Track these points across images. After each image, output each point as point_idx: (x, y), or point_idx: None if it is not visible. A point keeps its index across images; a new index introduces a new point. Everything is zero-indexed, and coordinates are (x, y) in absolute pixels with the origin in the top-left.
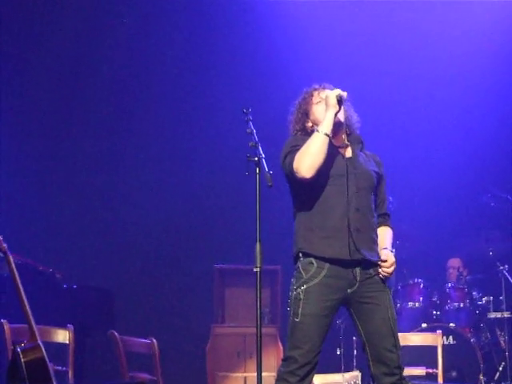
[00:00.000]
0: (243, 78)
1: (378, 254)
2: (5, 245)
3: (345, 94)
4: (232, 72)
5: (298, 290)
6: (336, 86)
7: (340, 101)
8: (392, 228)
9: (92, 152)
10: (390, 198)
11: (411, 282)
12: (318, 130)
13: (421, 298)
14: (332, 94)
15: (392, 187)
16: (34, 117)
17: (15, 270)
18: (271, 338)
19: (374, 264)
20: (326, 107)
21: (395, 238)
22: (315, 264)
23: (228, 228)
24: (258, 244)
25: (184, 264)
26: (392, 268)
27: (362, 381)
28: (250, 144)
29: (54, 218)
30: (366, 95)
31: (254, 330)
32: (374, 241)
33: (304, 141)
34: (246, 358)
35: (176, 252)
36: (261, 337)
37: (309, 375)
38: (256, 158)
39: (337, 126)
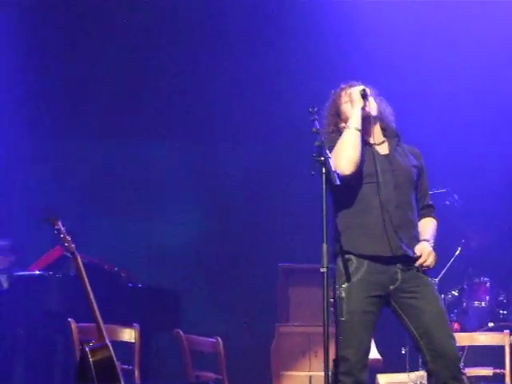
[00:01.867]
0: (309, 77)
1: None
2: (73, 245)
3: (368, 89)
4: (299, 71)
5: (340, 288)
6: (394, 84)
7: (364, 95)
8: (436, 219)
9: (158, 151)
10: (456, 196)
11: (477, 280)
12: (347, 127)
13: (487, 297)
14: (355, 89)
15: (458, 185)
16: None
17: (83, 270)
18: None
19: (414, 259)
20: (351, 104)
21: (460, 236)
22: (355, 261)
23: (293, 227)
24: (324, 245)
25: (249, 263)
26: (429, 260)
27: (427, 380)
28: (315, 143)
29: (118, 216)
30: (420, 88)
31: (319, 328)
32: (414, 237)
33: (337, 140)
34: (311, 357)
35: (241, 251)
36: (328, 336)
37: (364, 374)
38: (322, 158)
39: (368, 122)
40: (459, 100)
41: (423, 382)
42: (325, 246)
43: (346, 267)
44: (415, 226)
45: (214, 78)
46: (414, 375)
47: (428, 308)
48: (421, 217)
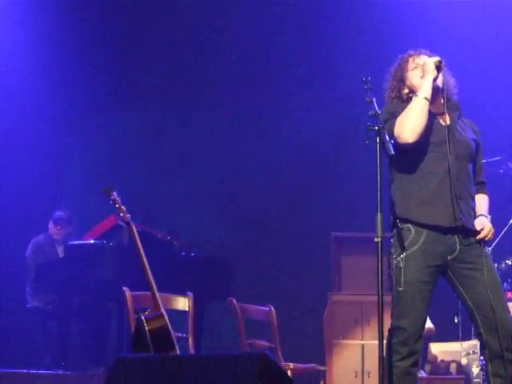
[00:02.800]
0: (362, 46)
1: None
2: (128, 215)
3: (442, 61)
4: (352, 41)
5: (398, 258)
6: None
7: (438, 67)
8: (488, 195)
9: (211, 129)
10: (510, 165)
11: None
12: (417, 95)
13: None
14: (430, 60)
15: (509, 153)
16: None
17: (138, 240)
18: (388, 305)
19: (473, 232)
20: (423, 73)
21: None
22: (413, 230)
23: (346, 196)
24: (378, 214)
25: (301, 232)
26: (490, 234)
27: (480, 351)
28: (369, 113)
29: (171, 186)
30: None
31: (371, 297)
32: (472, 209)
33: (402, 107)
34: (364, 326)
35: (294, 220)
36: (382, 306)
37: (418, 344)
38: (376, 128)
39: (435, 93)
40: None
41: (476, 351)
42: (379, 215)
43: (404, 236)
44: (473, 199)
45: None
46: (466, 344)
47: (484, 279)
48: (476, 192)
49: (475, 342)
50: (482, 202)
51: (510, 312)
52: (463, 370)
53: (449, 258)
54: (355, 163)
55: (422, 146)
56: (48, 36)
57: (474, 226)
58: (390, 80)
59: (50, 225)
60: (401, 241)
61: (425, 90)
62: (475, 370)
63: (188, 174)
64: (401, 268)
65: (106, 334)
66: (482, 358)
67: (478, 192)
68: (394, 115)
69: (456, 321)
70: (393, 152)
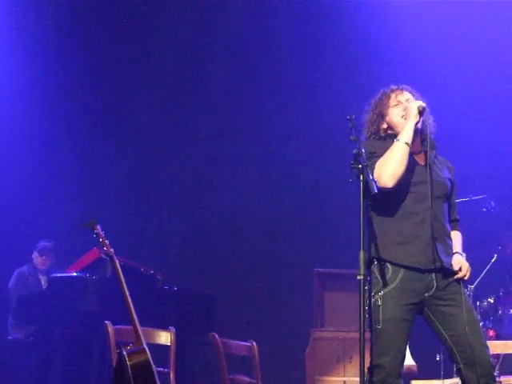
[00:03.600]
0: (346, 85)
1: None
2: (112, 249)
3: (424, 105)
4: (335, 79)
5: (376, 296)
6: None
7: (422, 112)
8: (461, 232)
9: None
10: (492, 203)
11: None
12: (398, 140)
13: None
14: (414, 104)
15: (494, 192)
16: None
17: (121, 274)
18: (370, 343)
19: (450, 271)
20: (406, 117)
21: (496, 242)
22: (390, 269)
23: (329, 233)
24: (361, 252)
25: (284, 268)
26: (468, 273)
27: None
28: (353, 151)
29: (155, 221)
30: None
31: (353, 334)
32: (449, 248)
33: (381, 147)
34: (346, 363)
35: (276, 256)
36: (364, 344)
37: (398, 381)
38: (360, 166)
39: (414, 133)
40: (499, 106)
41: None
42: (362, 253)
43: (381, 274)
44: (450, 238)
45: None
46: (448, 382)
47: (462, 316)
48: (451, 229)
49: (457, 380)
50: (456, 239)
51: (488, 348)
52: None
53: (426, 295)
54: (340, 200)
55: (401, 187)
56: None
57: (451, 265)
58: (370, 113)
59: (35, 254)
60: (379, 279)
61: (406, 135)
62: None
63: (175, 209)
64: (379, 306)
65: (88, 368)
66: None
67: (452, 229)
68: (372, 156)
69: (438, 358)
70: (376, 191)
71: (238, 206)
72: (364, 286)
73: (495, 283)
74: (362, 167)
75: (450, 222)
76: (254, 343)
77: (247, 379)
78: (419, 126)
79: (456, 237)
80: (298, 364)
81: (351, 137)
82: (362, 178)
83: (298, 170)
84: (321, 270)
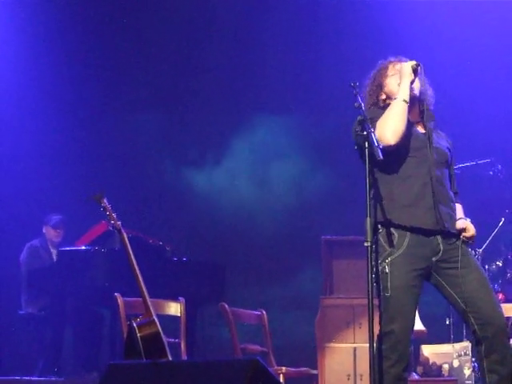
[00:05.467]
0: (351, 51)
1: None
2: (119, 222)
3: (420, 64)
4: (340, 46)
5: (383, 263)
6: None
7: (415, 70)
8: (461, 205)
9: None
10: (499, 166)
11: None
12: (396, 98)
13: None
14: (408, 63)
15: (501, 155)
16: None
17: (129, 246)
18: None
19: (455, 234)
20: (400, 77)
21: (504, 206)
22: (396, 234)
23: (337, 200)
24: (367, 219)
25: (293, 236)
26: (474, 235)
27: (472, 351)
28: (358, 118)
29: (164, 192)
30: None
31: (363, 300)
32: (453, 211)
33: (379, 114)
34: (356, 329)
35: (284, 224)
36: (372, 310)
37: (408, 348)
38: (365, 133)
39: (411, 101)
40: (505, 71)
41: (467, 352)
42: (368, 219)
43: (388, 241)
44: (453, 202)
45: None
46: (458, 346)
47: (471, 276)
48: None
49: (467, 344)
50: (458, 209)
51: (500, 307)
52: (455, 372)
53: (433, 259)
54: (346, 167)
55: (403, 151)
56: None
57: (454, 229)
58: (369, 85)
59: (47, 228)
60: (385, 246)
61: (403, 93)
62: (467, 371)
63: (184, 179)
64: (387, 273)
65: (99, 340)
66: (473, 359)
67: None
68: (372, 121)
69: (447, 322)
70: (381, 157)
71: (243, 177)
72: (372, 253)
73: (503, 246)
74: (368, 134)
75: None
76: (264, 312)
77: (258, 348)
78: (416, 91)
79: (459, 208)
80: (308, 331)
81: (355, 104)
82: (367, 145)
83: (303, 137)
84: (328, 237)
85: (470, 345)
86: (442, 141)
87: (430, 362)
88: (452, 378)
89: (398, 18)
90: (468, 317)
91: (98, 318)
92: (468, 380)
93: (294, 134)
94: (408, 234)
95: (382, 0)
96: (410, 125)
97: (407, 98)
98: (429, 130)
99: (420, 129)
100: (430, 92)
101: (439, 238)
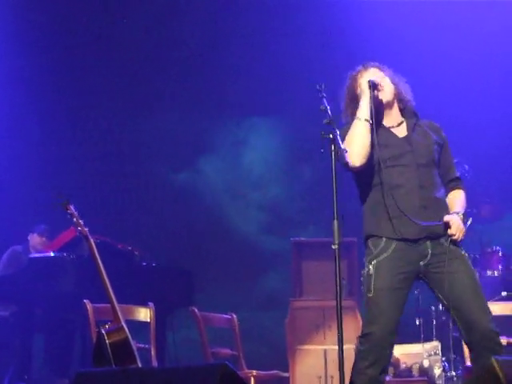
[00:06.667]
0: (317, 53)
1: None
2: (86, 229)
3: (378, 78)
4: (306, 48)
5: (369, 265)
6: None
7: (373, 86)
8: (465, 190)
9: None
10: (466, 167)
11: (489, 250)
12: (356, 117)
13: (500, 266)
14: (364, 80)
15: (468, 156)
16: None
17: (96, 253)
18: (349, 310)
19: (444, 234)
20: (361, 94)
21: (471, 206)
22: (384, 240)
23: (305, 203)
24: (335, 221)
25: (260, 240)
26: (458, 231)
27: (441, 351)
28: (324, 121)
29: (132, 197)
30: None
31: (333, 302)
32: (441, 214)
33: None
34: (326, 331)
35: (254, 228)
36: (341, 312)
37: (387, 351)
38: (330, 135)
39: (384, 107)
40: (471, 70)
41: (437, 352)
42: (335, 222)
43: (375, 245)
44: (442, 204)
45: None
46: (428, 346)
47: (459, 281)
48: (449, 190)
49: (436, 344)
50: (455, 199)
51: (489, 313)
52: (425, 372)
53: (421, 263)
54: (313, 170)
55: (382, 161)
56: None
57: (440, 230)
58: (345, 98)
59: (32, 236)
60: (372, 249)
61: (362, 112)
62: (437, 371)
63: (151, 186)
64: (371, 275)
65: (70, 347)
66: (443, 358)
67: (453, 188)
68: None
69: (417, 323)
70: (347, 160)
71: (211, 180)
72: (339, 256)
73: (472, 246)
74: (333, 137)
75: (448, 182)
76: (234, 315)
77: (229, 351)
78: (388, 98)
79: (454, 197)
80: (278, 334)
81: (321, 107)
82: (333, 148)
83: (267, 141)
84: (297, 239)
85: (439, 344)
86: (427, 137)
87: (401, 362)
88: (422, 378)
89: (364, 20)
90: (455, 320)
91: (69, 324)
92: (438, 379)
93: (268, 136)
94: (395, 241)
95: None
96: (387, 133)
97: (368, 116)
98: (409, 130)
99: (399, 133)
100: (406, 89)
101: (427, 242)
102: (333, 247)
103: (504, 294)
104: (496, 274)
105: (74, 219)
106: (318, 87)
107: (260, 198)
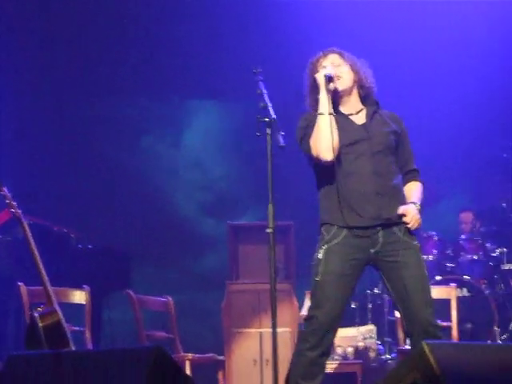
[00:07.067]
0: (254, 37)
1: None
2: (19, 211)
3: (333, 69)
4: (243, 31)
5: (320, 250)
6: (347, 43)
7: (329, 79)
8: (422, 182)
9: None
10: None
11: (425, 234)
12: (319, 113)
13: (435, 251)
14: (319, 75)
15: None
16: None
17: (30, 236)
18: (286, 293)
19: (397, 223)
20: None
21: None
22: (334, 228)
23: (242, 186)
24: (270, 205)
25: (198, 222)
26: (412, 222)
27: (376, 334)
28: (260, 105)
29: (69, 177)
30: (379, 51)
31: (268, 286)
32: (396, 201)
33: (315, 118)
34: (261, 314)
35: (190, 211)
36: (275, 297)
37: (330, 335)
38: (267, 119)
39: (342, 95)
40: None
41: (372, 336)
42: (270, 206)
43: (327, 231)
44: (398, 191)
45: None
46: (363, 329)
47: (406, 273)
48: (406, 181)
49: (372, 327)
50: (411, 190)
51: (431, 306)
52: (360, 355)
53: (371, 251)
54: (250, 153)
55: (340, 149)
56: None
57: (393, 218)
58: (307, 85)
59: None
60: (323, 235)
61: (323, 107)
62: (372, 354)
63: (88, 165)
64: (320, 259)
65: (3, 330)
66: (378, 342)
67: (409, 180)
68: (308, 131)
69: (353, 306)
70: (282, 143)
71: (150, 163)
72: (274, 240)
73: None
74: (270, 121)
75: (406, 174)
76: (170, 298)
77: (164, 334)
78: (347, 85)
79: (411, 188)
80: (214, 317)
81: (257, 90)
82: (269, 132)
83: (202, 124)
84: (234, 223)
85: (375, 328)
86: (385, 125)
87: (336, 345)
88: (357, 361)
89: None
90: (399, 311)
91: (2, 306)
92: (373, 363)
93: (211, 118)
94: (346, 228)
95: None
96: (345, 119)
97: (329, 109)
98: (367, 118)
99: (359, 119)
100: (368, 75)
101: (379, 230)
102: (267, 231)
103: (438, 278)
104: (431, 258)
105: (7, 201)
106: (254, 71)
107: (200, 180)
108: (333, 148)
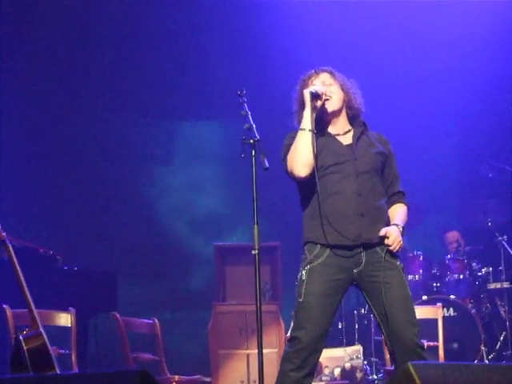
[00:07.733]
0: (238, 59)
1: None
2: (4, 233)
3: (321, 88)
4: (227, 53)
5: (303, 271)
6: (333, 64)
7: (315, 96)
8: (407, 204)
9: (94, 139)
10: None
11: (411, 254)
12: (300, 128)
13: (421, 271)
14: (305, 91)
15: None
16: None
17: (14, 258)
18: (272, 314)
19: (380, 244)
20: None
21: None
22: (317, 247)
23: (228, 208)
24: (255, 226)
25: (184, 244)
26: (394, 244)
27: (363, 355)
28: (244, 126)
29: (55, 200)
30: (366, 70)
31: (255, 307)
32: (379, 223)
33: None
34: (249, 335)
35: (177, 233)
36: (261, 317)
37: (314, 356)
38: (251, 141)
39: (331, 115)
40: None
41: (359, 356)
42: (255, 227)
43: (310, 251)
44: (382, 212)
45: None
46: (350, 349)
47: (391, 293)
48: (391, 203)
49: (358, 348)
50: (395, 212)
51: (415, 326)
52: (347, 375)
53: (355, 271)
54: (234, 175)
55: (322, 169)
56: None
57: (376, 239)
58: (296, 103)
59: None
60: (306, 255)
61: (305, 123)
62: (359, 374)
63: (74, 187)
64: (303, 280)
65: None
66: (365, 362)
67: (394, 203)
68: (289, 149)
69: (340, 326)
70: (267, 166)
71: (136, 184)
72: (259, 261)
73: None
74: (254, 142)
75: (391, 196)
76: (156, 320)
77: (151, 356)
78: (336, 106)
79: (395, 210)
80: (201, 339)
81: (242, 112)
82: (253, 153)
83: (189, 147)
84: (220, 244)
85: (361, 348)
86: (371, 147)
87: (323, 365)
88: (344, 382)
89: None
90: (382, 331)
91: None
92: (360, 383)
93: (194, 142)
94: (328, 248)
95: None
96: (332, 139)
97: (311, 126)
98: (354, 139)
99: (346, 140)
100: (357, 96)
101: (362, 250)
102: (253, 252)
103: (424, 298)
104: (417, 277)
105: None
106: (238, 92)
107: (189, 199)
108: (308, 165)
